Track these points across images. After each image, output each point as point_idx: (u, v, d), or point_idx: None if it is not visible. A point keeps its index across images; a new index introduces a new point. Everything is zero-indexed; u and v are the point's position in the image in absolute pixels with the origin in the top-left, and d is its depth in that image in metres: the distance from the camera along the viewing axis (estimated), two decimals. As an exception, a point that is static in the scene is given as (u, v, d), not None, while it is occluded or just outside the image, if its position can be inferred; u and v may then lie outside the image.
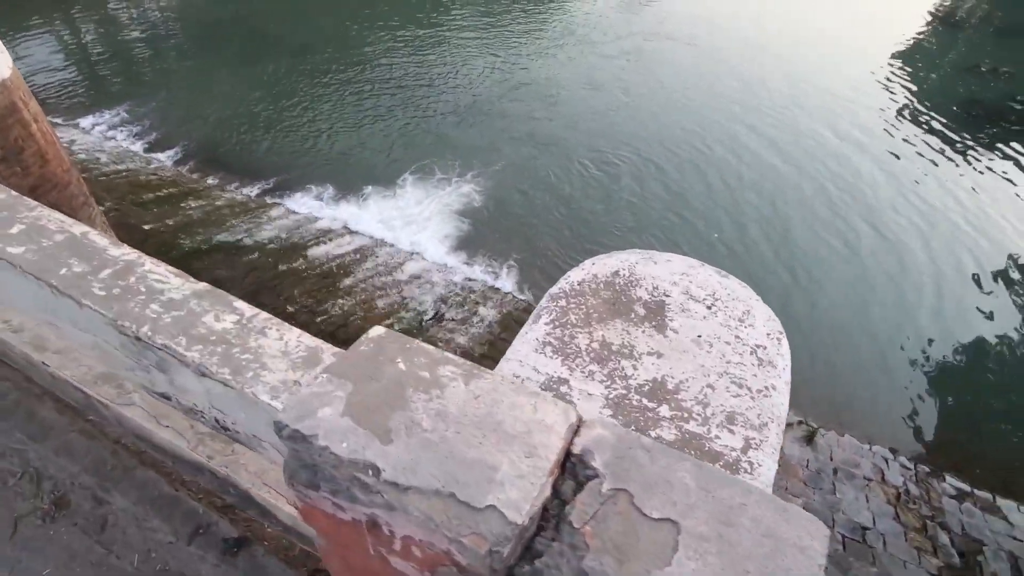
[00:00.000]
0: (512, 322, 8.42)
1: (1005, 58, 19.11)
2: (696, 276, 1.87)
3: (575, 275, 1.89)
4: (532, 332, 1.70)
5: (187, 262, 8.19)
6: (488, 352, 7.62)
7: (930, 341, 9.08)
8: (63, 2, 18.07)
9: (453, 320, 8.21)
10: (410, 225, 10.21)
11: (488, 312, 8.51)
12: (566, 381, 1.55)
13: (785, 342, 1.68)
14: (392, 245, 9.64)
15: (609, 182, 11.91)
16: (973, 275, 10.33)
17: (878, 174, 12.74)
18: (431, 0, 21.28)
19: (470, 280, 9.17)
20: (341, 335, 7.45)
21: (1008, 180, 13.02)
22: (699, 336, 1.67)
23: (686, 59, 17.61)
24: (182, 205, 9.52)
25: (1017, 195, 12.59)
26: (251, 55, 15.85)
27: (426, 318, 8.12)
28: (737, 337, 1.67)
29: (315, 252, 9.04)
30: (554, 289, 1.85)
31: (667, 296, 1.79)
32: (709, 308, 1.76)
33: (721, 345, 1.65)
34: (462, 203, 10.87)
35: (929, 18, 23.13)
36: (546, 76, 15.93)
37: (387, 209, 10.56)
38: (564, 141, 13.01)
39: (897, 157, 13.45)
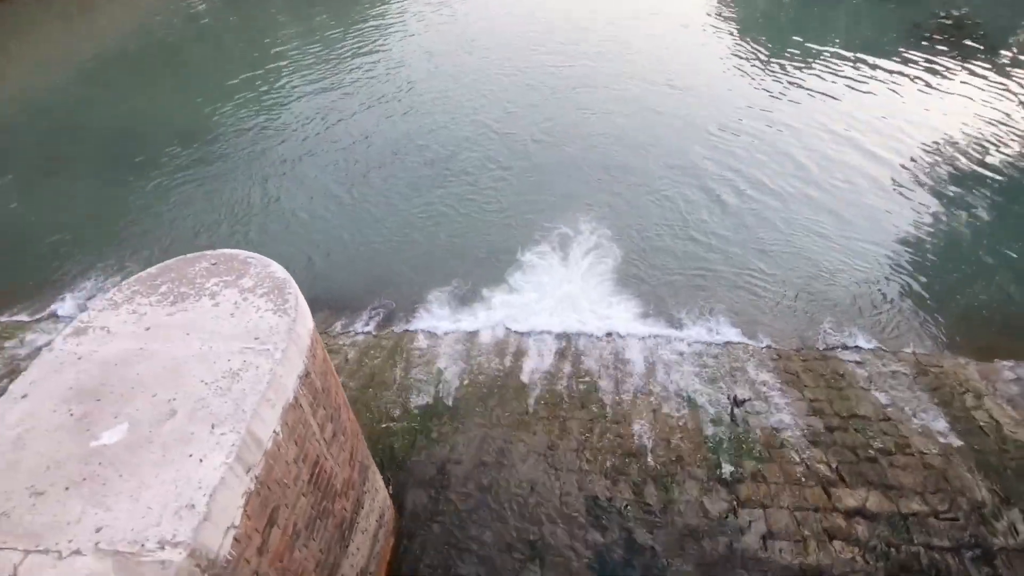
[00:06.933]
0: (787, 374, 7.02)
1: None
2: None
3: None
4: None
5: (428, 434, 5.84)
6: (837, 423, 6.15)
7: None
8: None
9: (748, 400, 6.63)
10: (574, 302, 8.44)
11: (761, 374, 7.03)
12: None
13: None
14: (584, 334, 7.83)
15: (694, 185, 10.90)
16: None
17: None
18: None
19: (698, 343, 7.63)
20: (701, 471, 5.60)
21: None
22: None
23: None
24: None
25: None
26: (220, 165, 12.98)
27: (727, 412, 6.46)
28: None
29: (527, 374, 7.01)
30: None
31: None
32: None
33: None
34: (603, 261, 9.26)
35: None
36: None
37: (533, 293, 8.68)
38: (634, 162, 11.81)
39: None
